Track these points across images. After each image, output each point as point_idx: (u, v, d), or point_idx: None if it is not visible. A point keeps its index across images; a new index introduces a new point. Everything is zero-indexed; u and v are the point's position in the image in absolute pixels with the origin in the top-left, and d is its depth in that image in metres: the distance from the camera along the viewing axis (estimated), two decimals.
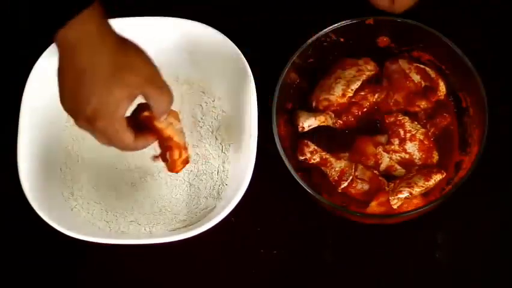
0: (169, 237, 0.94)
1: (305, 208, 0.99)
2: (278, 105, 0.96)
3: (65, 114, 1.04)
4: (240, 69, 0.99)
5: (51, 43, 1.01)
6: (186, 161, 0.90)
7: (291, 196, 0.98)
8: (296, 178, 0.92)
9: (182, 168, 0.91)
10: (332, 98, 1.00)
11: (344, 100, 1.00)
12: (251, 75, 0.98)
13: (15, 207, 0.99)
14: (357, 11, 1.00)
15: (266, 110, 0.96)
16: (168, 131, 0.87)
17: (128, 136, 0.84)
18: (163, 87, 0.84)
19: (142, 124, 0.86)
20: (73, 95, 0.82)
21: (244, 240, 1.01)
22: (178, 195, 1.00)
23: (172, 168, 0.90)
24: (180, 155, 0.89)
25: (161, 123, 0.86)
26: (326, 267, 1.00)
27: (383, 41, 1.01)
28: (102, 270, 1.01)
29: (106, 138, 0.83)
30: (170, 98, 0.85)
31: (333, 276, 0.99)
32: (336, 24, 0.98)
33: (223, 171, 1.01)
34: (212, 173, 1.01)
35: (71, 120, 1.03)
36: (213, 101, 1.05)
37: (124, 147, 0.85)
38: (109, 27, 0.83)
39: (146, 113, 0.86)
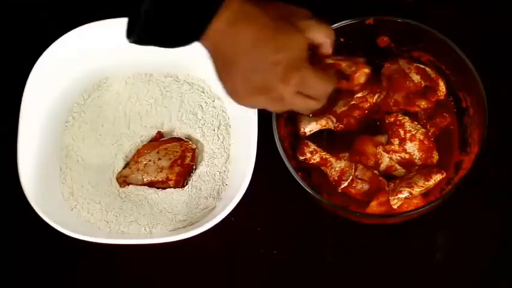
0: (169, 237, 0.94)
1: (305, 208, 0.99)
2: None
3: (65, 114, 1.05)
4: None
5: (51, 43, 1.02)
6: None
7: (291, 196, 0.98)
8: (296, 178, 0.92)
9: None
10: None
11: (345, 108, 1.01)
12: None
13: (15, 207, 0.99)
14: (357, 11, 1.00)
15: (266, 110, 0.96)
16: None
17: (328, 75, 0.84)
18: (319, 19, 0.85)
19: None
20: (256, 72, 0.81)
21: (244, 240, 1.01)
22: (178, 195, 1.00)
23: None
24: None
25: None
26: (326, 267, 1.00)
27: (383, 41, 1.01)
28: (102, 270, 1.01)
29: (308, 89, 0.83)
30: (329, 24, 0.87)
31: (333, 276, 0.99)
32: (336, 24, 0.98)
33: (225, 171, 1.01)
34: (215, 174, 1.01)
35: (71, 120, 1.05)
36: (213, 101, 1.05)
37: (325, 89, 0.85)
38: None
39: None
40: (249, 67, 0.81)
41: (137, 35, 0.78)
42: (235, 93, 0.84)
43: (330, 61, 0.87)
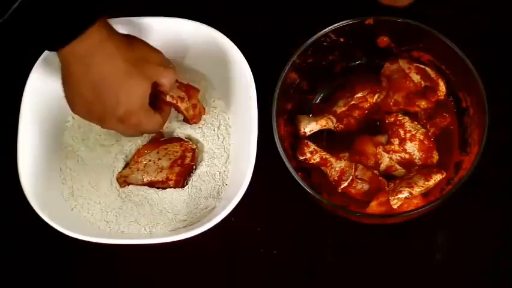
0: (169, 237, 0.94)
1: (305, 208, 0.99)
2: (278, 105, 0.96)
3: (65, 114, 1.04)
4: (240, 69, 0.99)
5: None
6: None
7: (291, 196, 0.98)
8: (296, 178, 0.92)
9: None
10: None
11: (345, 108, 1.01)
12: (251, 75, 0.98)
13: (15, 207, 0.99)
14: (357, 11, 1.00)
15: (266, 110, 0.96)
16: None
17: (157, 119, 0.93)
18: (169, 64, 0.93)
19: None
20: (97, 104, 0.88)
21: (244, 240, 1.01)
22: (178, 195, 1.00)
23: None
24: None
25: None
26: (325, 267, 1.00)
27: (383, 41, 1.01)
28: (102, 270, 1.01)
29: (139, 129, 0.92)
30: (174, 70, 0.93)
31: (333, 276, 0.99)
32: (336, 24, 0.98)
33: (224, 171, 1.01)
34: (215, 174, 1.01)
35: (71, 120, 1.05)
36: (213, 101, 1.05)
37: (154, 130, 0.95)
38: (114, 31, 0.88)
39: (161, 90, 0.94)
40: (91, 98, 0.87)
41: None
42: (72, 107, 0.91)
43: (169, 99, 0.95)
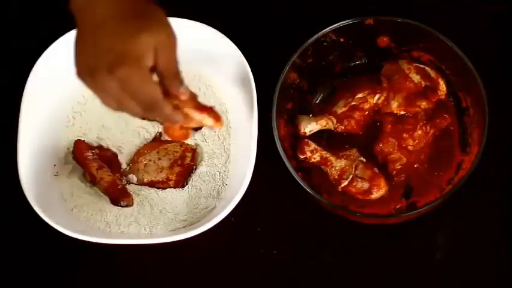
0: (169, 237, 0.94)
1: (305, 208, 0.99)
2: (278, 105, 0.96)
3: (65, 114, 1.05)
4: (240, 69, 0.99)
5: (51, 43, 1.02)
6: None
7: (291, 196, 0.98)
8: (296, 178, 0.92)
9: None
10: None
11: (345, 109, 1.01)
12: (251, 75, 0.98)
13: (15, 207, 0.99)
14: (357, 11, 1.00)
15: (266, 110, 0.96)
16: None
17: (155, 88, 0.77)
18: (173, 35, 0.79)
19: None
20: (93, 49, 0.76)
21: (244, 240, 1.01)
22: (178, 195, 1.00)
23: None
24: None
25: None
26: (325, 267, 1.00)
27: (383, 41, 1.01)
28: (102, 270, 1.01)
29: (130, 89, 0.76)
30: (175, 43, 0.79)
31: (333, 276, 0.99)
32: (336, 24, 0.98)
33: (225, 171, 1.01)
34: (215, 174, 1.01)
35: (71, 120, 1.05)
36: (214, 101, 1.05)
37: (150, 101, 0.77)
38: None
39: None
40: (89, 45, 0.76)
41: None
42: (76, 66, 0.78)
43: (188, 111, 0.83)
